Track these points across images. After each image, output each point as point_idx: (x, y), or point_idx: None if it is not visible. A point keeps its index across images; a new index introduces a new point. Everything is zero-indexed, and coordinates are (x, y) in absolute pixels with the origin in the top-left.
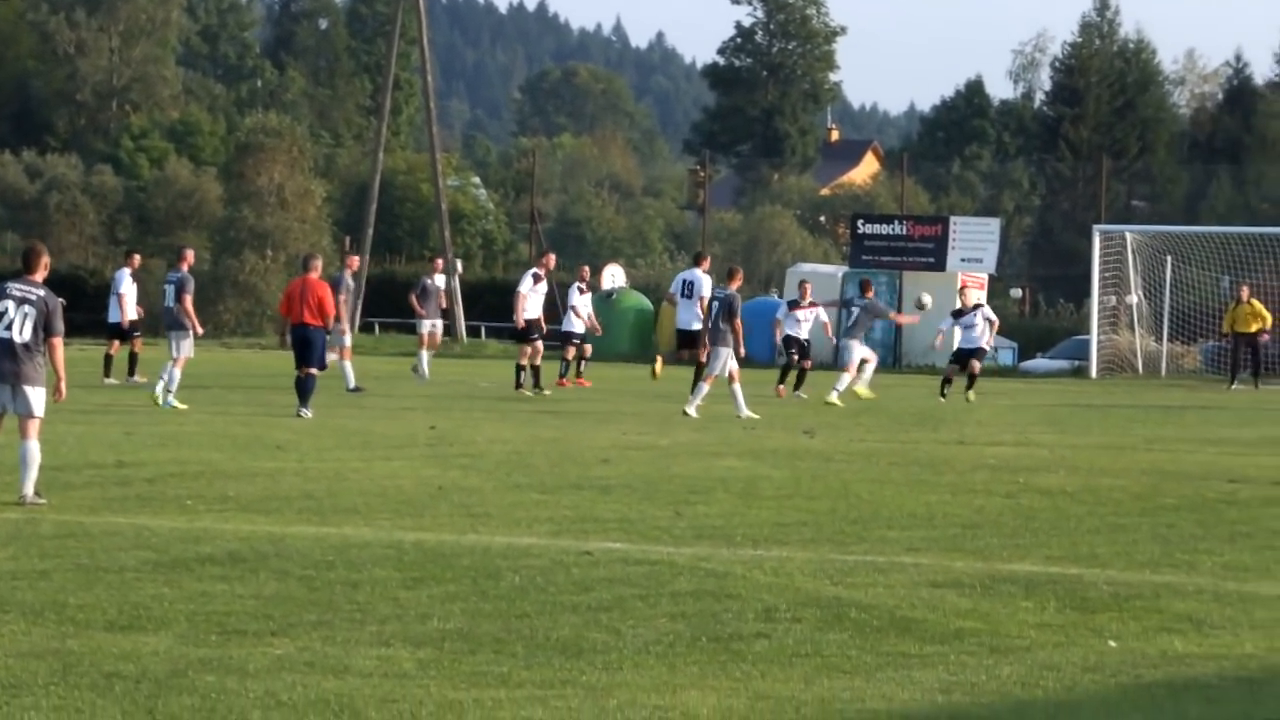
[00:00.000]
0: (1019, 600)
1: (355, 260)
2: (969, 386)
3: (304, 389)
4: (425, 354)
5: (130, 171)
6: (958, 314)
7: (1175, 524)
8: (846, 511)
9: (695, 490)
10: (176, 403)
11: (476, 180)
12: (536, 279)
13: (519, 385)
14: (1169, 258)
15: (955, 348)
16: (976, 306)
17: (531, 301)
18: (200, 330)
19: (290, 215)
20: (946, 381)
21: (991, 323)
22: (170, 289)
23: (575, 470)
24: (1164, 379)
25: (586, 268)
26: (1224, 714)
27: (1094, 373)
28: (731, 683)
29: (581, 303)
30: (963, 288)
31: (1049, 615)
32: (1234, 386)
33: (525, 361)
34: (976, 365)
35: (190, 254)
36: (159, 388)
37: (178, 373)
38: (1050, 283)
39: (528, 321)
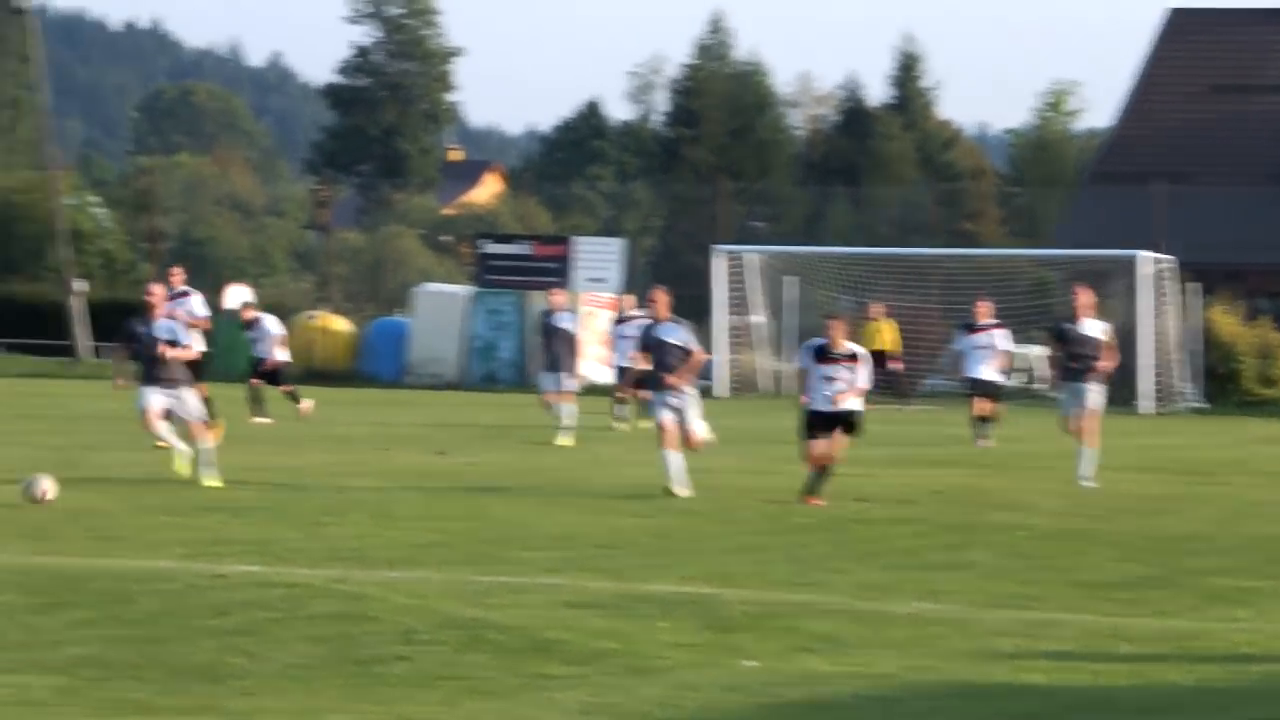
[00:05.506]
0: (656, 620)
1: None
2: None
3: None
4: None
5: None
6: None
7: (808, 543)
8: (482, 532)
9: (329, 511)
10: None
11: (94, 198)
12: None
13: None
14: (792, 278)
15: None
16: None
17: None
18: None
19: None
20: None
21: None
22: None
23: (205, 492)
24: (791, 397)
25: None
26: None
27: (719, 391)
28: (373, 706)
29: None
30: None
31: (687, 635)
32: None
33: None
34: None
35: None
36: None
37: None
38: (674, 303)
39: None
